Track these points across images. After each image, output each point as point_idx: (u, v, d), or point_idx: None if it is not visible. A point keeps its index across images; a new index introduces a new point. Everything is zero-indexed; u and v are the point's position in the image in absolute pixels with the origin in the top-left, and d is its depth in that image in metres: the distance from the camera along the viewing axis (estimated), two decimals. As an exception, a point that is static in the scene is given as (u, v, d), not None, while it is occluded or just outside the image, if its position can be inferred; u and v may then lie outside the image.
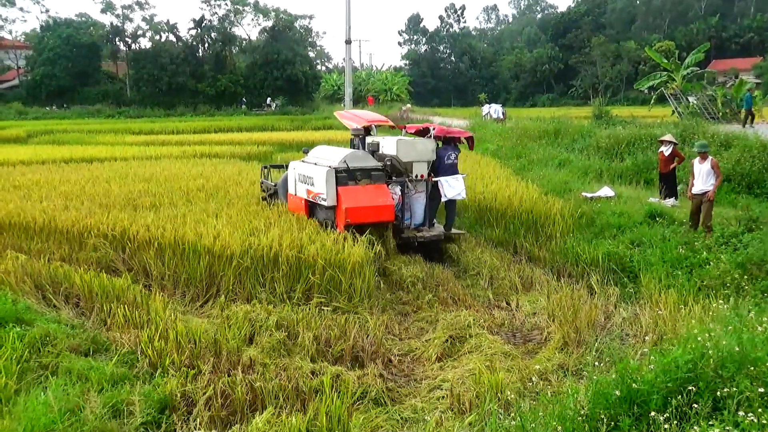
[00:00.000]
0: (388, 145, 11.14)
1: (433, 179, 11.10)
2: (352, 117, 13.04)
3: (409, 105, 49.70)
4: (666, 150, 13.46)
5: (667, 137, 13.71)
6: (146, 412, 5.47)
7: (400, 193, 10.82)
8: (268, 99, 62.72)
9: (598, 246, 10.60)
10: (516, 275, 10.15)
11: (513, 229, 12.10)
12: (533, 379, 6.23)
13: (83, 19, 69.00)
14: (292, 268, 8.79)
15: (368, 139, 11.83)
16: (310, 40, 72.27)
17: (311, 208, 10.89)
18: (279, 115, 54.89)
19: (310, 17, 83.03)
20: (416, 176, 10.99)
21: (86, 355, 6.71)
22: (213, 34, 66.28)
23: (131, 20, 65.79)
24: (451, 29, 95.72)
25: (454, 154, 11.29)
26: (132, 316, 7.54)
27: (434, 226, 11.38)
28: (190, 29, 66.67)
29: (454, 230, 11.38)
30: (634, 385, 4.43)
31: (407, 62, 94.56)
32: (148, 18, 65.89)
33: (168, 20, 66.41)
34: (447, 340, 7.55)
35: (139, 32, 66.01)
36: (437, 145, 11.31)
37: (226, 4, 66.84)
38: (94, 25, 67.43)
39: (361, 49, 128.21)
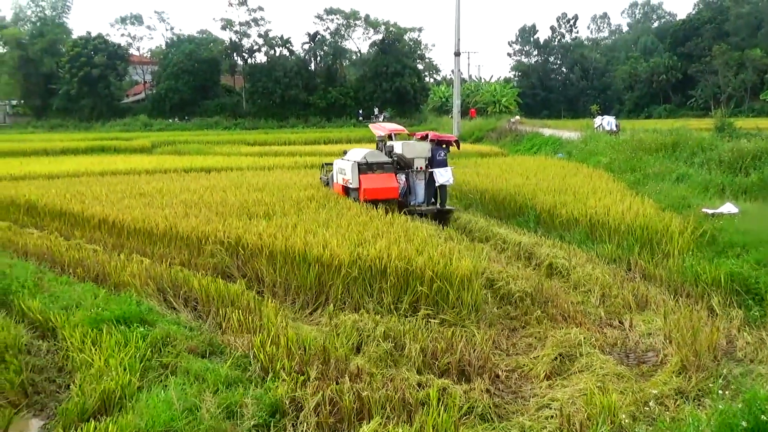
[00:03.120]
0: (397, 146, 15.67)
1: (429, 170, 15.40)
2: (379, 127, 17.98)
3: (518, 117, 49.05)
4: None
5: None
6: (258, 415, 5.63)
7: (405, 180, 15.44)
8: (376, 110, 63.61)
9: (720, 265, 10.00)
10: (629, 293, 9.74)
11: (627, 246, 11.64)
12: (650, 403, 5.95)
13: (204, 35, 72.51)
14: (400, 279, 8.82)
15: (388, 143, 16.33)
16: (419, 52, 72.69)
17: (346, 190, 15.44)
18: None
19: (420, 30, 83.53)
20: (417, 168, 15.46)
21: (203, 357, 6.99)
22: (325, 48, 68.03)
23: (248, 36, 68.49)
24: (562, 39, 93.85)
25: (444, 152, 15.60)
26: (246, 320, 7.79)
27: (432, 203, 15.58)
28: (303, 44, 68.91)
29: (447, 206, 15.62)
30: (762, 417, 4.15)
31: (516, 73, 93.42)
32: (264, 33, 68.41)
33: (282, 35, 68.77)
34: (556, 358, 7.33)
35: (255, 47, 68.67)
36: (432, 146, 15.56)
37: (338, 19, 68.45)
38: (214, 41, 70.76)
39: (469, 61, 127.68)
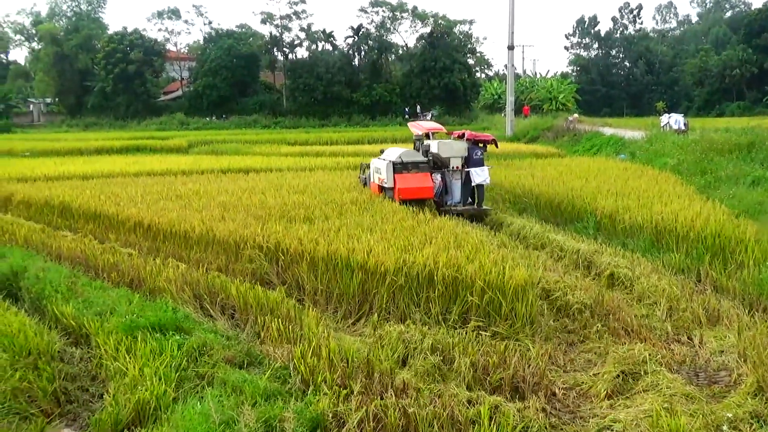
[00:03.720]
0: (433, 145, 16.45)
1: (466, 170, 16.12)
2: (417, 126, 18.80)
3: (576, 115, 48.42)
4: None
5: None
6: (298, 430, 5.66)
7: (441, 179, 16.17)
8: (418, 108, 63.24)
9: (801, 277, 9.73)
10: (699, 307, 9.51)
11: (696, 255, 11.39)
12: (723, 427, 5.80)
13: (244, 30, 73.46)
14: (449, 288, 8.79)
15: (425, 142, 17.09)
16: (469, 46, 72.57)
17: (381, 190, 16.21)
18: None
19: (471, 22, 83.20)
20: (453, 168, 16.17)
21: (241, 368, 7.06)
22: (369, 42, 68.33)
23: (289, 30, 69.31)
24: (625, 31, 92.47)
25: (480, 152, 16.30)
26: (285, 330, 7.85)
27: (468, 203, 16.37)
28: (346, 38, 69.31)
29: (484, 206, 16.40)
30: None
31: (575, 68, 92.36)
32: (306, 27, 69.08)
33: (324, 29, 69.49)
34: (618, 376, 7.19)
35: (296, 42, 69.40)
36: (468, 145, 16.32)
37: (383, 11, 68.70)
38: (254, 35, 71.68)
39: (524, 55, 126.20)
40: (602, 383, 7.04)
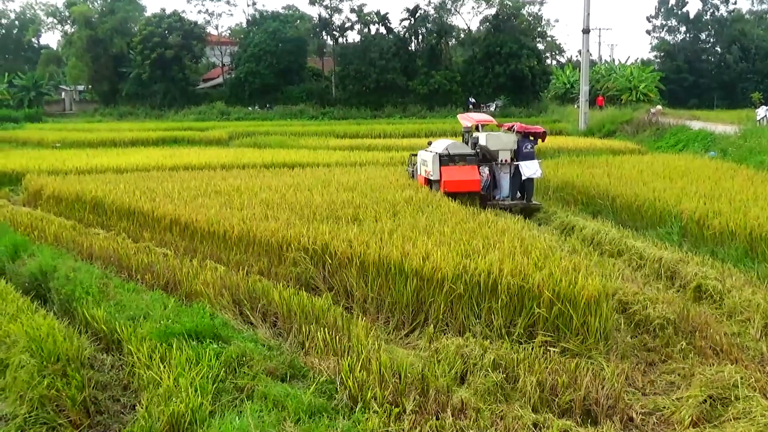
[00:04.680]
0: (481, 137, 17.62)
1: (515, 163, 17.10)
2: (466, 117, 20.06)
3: (659, 107, 47.63)
4: None
5: None
6: (345, 451, 5.69)
7: (488, 172, 17.15)
8: (471, 99, 62.57)
9: None
10: (800, 325, 9.28)
11: (799, 266, 11.11)
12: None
13: (290, 11, 74.06)
14: (513, 298, 8.73)
15: (474, 134, 18.24)
16: (539, 29, 71.76)
17: (428, 182, 17.26)
18: (499, 118, 55.20)
19: (541, 3, 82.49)
20: (502, 161, 17.20)
21: (283, 381, 7.12)
22: (428, 25, 68.22)
23: (339, 11, 69.58)
24: (716, 13, 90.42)
25: (531, 145, 17.23)
26: (332, 341, 7.90)
27: (516, 197, 17.37)
28: (402, 20, 69.31)
29: (533, 201, 17.43)
30: None
31: (658, 54, 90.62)
32: (357, 9, 69.29)
33: (378, 11, 69.48)
34: (705, 401, 7.04)
35: (347, 24, 69.65)
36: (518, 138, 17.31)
37: (443, -9, 68.49)
38: (301, 18, 72.12)
39: (600, 40, 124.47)
40: (687, 409, 6.90)
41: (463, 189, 16.40)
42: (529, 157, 17.17)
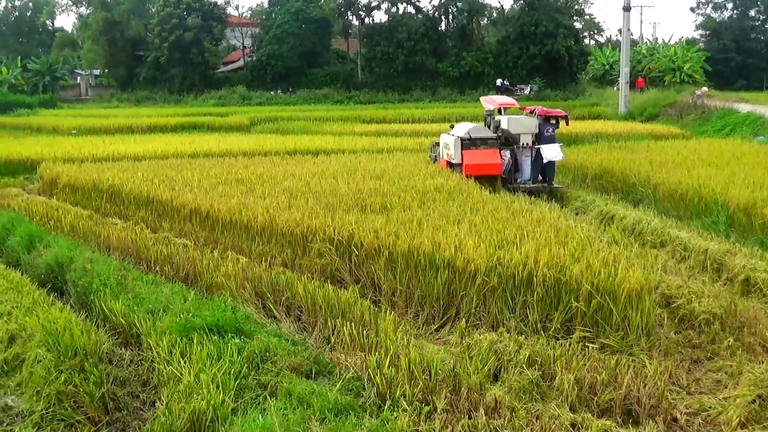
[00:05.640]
0: (503, 121, 18.32)
1: (536, 146, 17.84)
2: (488, 100, 20.59)
3: (705, 88, 46.98)
4: None
5: None
6: (373, 451, 5.71)
7: (509, 156, 17.84)
8: (498, 81, 61.77)
9: None
10: None
11: None
12: None
13: (315, -10, 74.06)
14: (550, 291, 8.68)
15: (496, 117, 18.94)
16: (576, 7, 71.13)
17: (450, 165, 18.06)
18: (534, 101, 54.82)
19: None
20: (523, 144, 17.96)
21: (308, 377, 7.16)
22: (458, 4, 67.86)
23: (366, -10, 69.44)
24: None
25: (552, 128, 18.04)
26: (359, 335, 7.92)
27: (538, 180, 18.09)
28: (432, -1, 68.89)
29: (554, 185, 18.17)
30: None
31: (704, 33, 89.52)
32: (385, -13, 69.03)
33: (407, -11, 69.16)
34: (754, 401, 6.98)
35: (374, 4, 69.44)
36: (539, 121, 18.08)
37: (476, -33, 68.08)
38: (326, -4, 72.06)
39: (642, 18, 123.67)
40: (734, 409, 6.84)
41: (484, 172, 17.14)
42: (551, 140, 17.93)
